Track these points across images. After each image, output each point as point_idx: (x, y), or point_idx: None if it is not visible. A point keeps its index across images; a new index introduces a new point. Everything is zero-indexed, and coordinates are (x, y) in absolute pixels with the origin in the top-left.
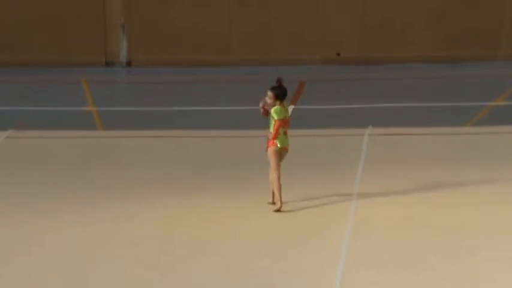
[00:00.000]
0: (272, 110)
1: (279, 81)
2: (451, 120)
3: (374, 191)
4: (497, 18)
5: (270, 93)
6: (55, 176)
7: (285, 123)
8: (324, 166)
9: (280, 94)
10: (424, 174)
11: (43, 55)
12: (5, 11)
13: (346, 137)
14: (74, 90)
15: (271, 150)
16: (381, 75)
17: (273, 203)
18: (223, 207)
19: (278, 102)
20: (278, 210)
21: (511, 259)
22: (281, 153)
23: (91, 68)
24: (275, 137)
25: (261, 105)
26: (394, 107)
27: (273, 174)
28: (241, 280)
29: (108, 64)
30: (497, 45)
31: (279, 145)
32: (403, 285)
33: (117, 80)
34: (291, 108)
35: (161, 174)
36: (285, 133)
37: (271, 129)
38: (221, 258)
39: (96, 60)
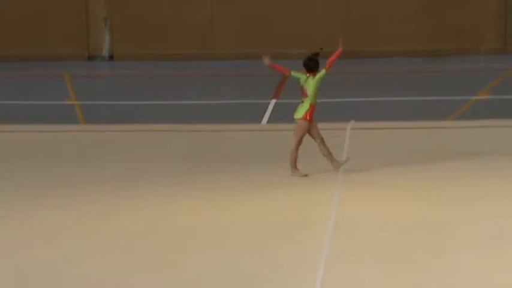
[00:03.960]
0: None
1: (316, 53)
2: (433, 114)
3: (356, 185)
4: (480, 12)
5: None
6: (38, 170)
7: (302, 92)
8: (307, 159)
9: (306, 64)
10: (407, 168)
11: (26, 49)
12: None
13: (328, 130)
14: (57, 84)
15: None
16: (364, 69)
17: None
18: (209, 200)
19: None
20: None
21: (493, 254)
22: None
23: (73, 62)
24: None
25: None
26: (377, 101)
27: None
28: (225, 274)
29: (90, 58)
30: (480, 39)
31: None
32: (386, 279)
33: (99, 74)
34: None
35: (145, 168)
36: (302, 102)
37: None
38: (205, 251)
39: (78, 54)
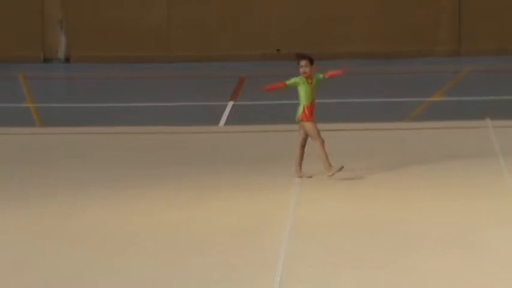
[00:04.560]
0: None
1: (299, 54)
2: (389, 115)
3: (315, 186)
4: (435, 14)
5: (304, 61)
6: None
7: None
8: (265, 161)
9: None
10: (365, 169)
11: None
12: None
13: (285, 132)
14: (12, 86)
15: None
16: (320, 71)
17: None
18: (166, 202)
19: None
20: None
21: (451, 254)
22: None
23: (29, 64)
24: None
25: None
26: (335, 103)
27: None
28: (181, 275)
29: (46, 60)
30: (435, 41)
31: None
32: (344, 280)
33: (55, 76)
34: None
35: (101, 171)
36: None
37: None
38: (161, 253)
39: (34, 56)
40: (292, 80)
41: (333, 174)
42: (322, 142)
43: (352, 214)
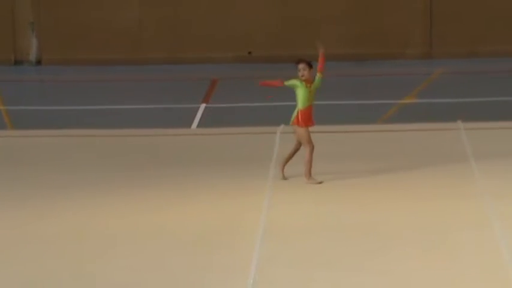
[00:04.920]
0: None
1: (298, 58)
2: (361, 117)
3: (287, 188)
4: (407, 16)
5: (303, 65)
6: None
7: None
8: (237, 164)
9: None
10: (337, 171)
11: None
12: None
13: (258, 135)
14: None
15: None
16: (291, 73)
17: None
18: (138, 205)
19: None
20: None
21: (424, 255)
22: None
23: (0, 67)
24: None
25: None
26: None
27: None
28: (155, 278)
29: (17, 62)
30: (407, 43)
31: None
32: (317, 283)
33: (26, 79)
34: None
35: (75, 174)
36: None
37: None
38: (133, 256)
39: (5, 58)
40: (291, 81)
41: (308, 183)
42: (312, 149)
43: (325, 216)
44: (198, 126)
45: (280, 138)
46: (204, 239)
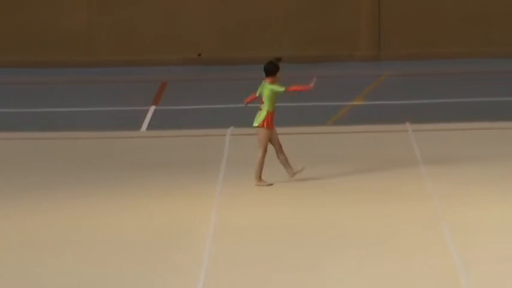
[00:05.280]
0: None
1: (278, 58)
2: (311, 119)
3: (236, 190)
4: (355, 19)
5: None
6: None
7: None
8: (187, 167)
9: (264, 68)
10: (286, 174)
11: None
12: None
13: (208, 137)
14: None
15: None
16: (241, 75)
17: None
18: (89, 208)
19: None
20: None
21: (374, 257)
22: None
23: None
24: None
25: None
26: (254, 107)
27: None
28: (103, 282)
29: None
30: (355, 46)
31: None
32: (265, 284)
33: None
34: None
35: (24, 178)
36: (260, 109)
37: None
38: (83, 259)
39: None
40: (277, 85)
41: (258, 185)
42: (265, 153)
43: (274, 219)
44: (148, 128)
45: (230, 141)
46: (154, 242)
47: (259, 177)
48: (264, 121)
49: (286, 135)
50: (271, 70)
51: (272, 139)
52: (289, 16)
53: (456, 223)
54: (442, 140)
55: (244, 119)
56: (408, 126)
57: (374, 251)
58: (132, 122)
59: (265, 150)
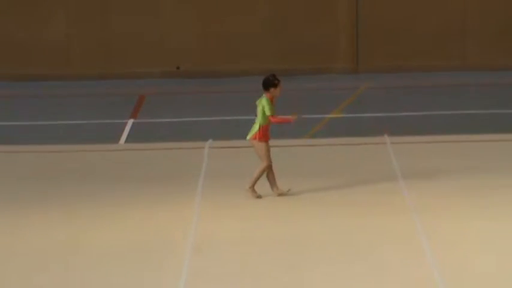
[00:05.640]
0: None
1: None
2: (289, 132)
3: (215, 203)
4: (333, 32)
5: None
6: None
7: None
8: (165, 180)
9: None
10: (265, 186)
11: None
12: None
13: (186, 150)
14: None
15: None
16: (220, 88)
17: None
18: (64, 220)
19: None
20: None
21: (351, 270)
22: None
23: None
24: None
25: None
26: (233, 120)
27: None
28: None
29: None
30: (333, 58)
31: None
32: None
33: None
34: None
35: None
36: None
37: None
38: (58, 271)
39: None
40: (270, 106)
41: (247, 191)
42: (268, 166)
43: (253, 231)
44: (126, 141)
45: (208, 153)
46: (133, 255)
47: (253, 187)
48: (255, 134)
49: None
50: (265, 84)
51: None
52: (268, 29)
53: (435, 236)
54: (420, 152)
55: (222, 132)
56: (386, 138)
57: (353, 264)
58: (111, 135)
59: (269, 163)
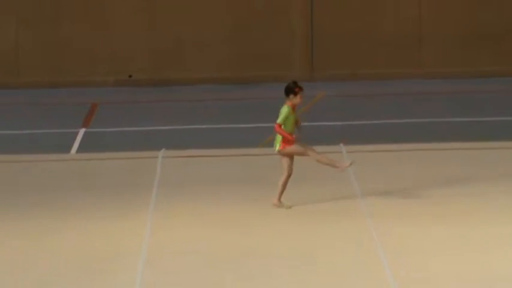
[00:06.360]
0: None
1: (295, 81)
2: (245, 140)
3: (169, 213)
4: (288, 39)
5: (302, 92)
6: None
7: None
8: (118, 190)
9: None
10: (220, 194)
11: None
12: None
13: (139, 159)
14: None
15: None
16: (173, 96)
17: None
18: (17, 231)
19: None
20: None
21: (303, 278)
22: None
23: None
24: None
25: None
26: (187, 129)
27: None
28: None
29: None
30: (288, 66)
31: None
32: None
33: None
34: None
35: None
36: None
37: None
38: (13, 284)
39: None
40: (284, 115)
41: (276, 205)
42: (288, 176)
43: (207, 241)
44: (78, 151)
45: (161, 163)
46: (84, 267)
47: (279, 198)
48: (281, 143)
49: (217, 157)
50: (286, 91)
51: (291, 160)
52: (222, 37)
53: (391, 243)
54: (376, 160)
55: (175, 141)
56: (342, 147)
57: (308, 271)
58: (62, 145)
59: (288, 172)
